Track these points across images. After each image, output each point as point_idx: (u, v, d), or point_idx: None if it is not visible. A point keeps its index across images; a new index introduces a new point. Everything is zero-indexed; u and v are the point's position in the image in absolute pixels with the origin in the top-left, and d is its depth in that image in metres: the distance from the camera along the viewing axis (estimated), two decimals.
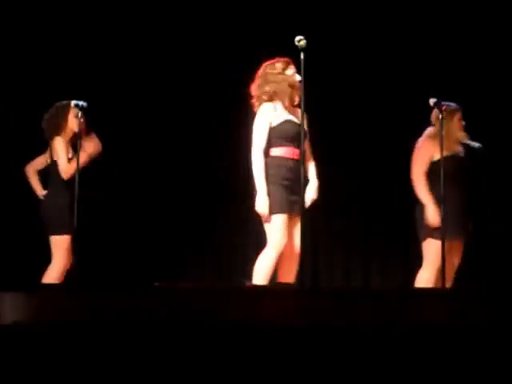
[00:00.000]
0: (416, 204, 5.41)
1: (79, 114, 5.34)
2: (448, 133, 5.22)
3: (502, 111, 6.49)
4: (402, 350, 3.49)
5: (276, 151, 4.98)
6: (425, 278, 5.30)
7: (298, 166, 4.77)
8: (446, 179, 5.00)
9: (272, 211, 4.89)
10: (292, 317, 3.63)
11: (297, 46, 4.64)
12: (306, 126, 4.94)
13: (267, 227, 4.94)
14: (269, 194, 4.89)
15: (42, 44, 6.66)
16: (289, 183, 4.92)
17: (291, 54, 4.85)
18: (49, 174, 5.67)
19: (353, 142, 6.80)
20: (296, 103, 5.05)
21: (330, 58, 6.54)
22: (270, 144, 4.98)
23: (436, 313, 3.66)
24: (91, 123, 5.63)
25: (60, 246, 5.46)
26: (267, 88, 5.02)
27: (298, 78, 4.96)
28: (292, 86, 5.02)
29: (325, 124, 6.28)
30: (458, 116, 5.37)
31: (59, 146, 5.57)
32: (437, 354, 3.48)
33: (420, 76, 6.50)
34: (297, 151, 4.93)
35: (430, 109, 5.27)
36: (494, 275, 6.39)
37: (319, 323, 3.58)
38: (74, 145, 5.56)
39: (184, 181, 6.80)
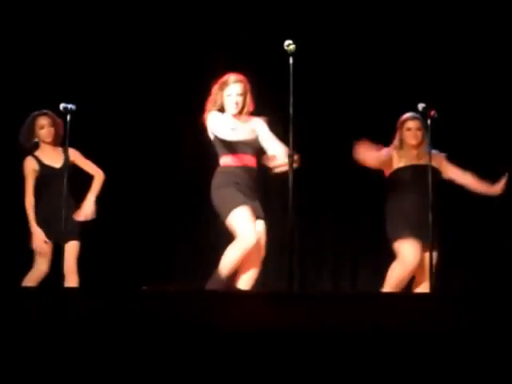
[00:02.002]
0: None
1: (68, 118, 5.23)
2: (402, 143, 5.60)
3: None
4: (388, 355, 3.50)
5: (222, 161, 5.11)
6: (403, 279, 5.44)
7: (249, 172, 5.00)
8: (405, 186, 5.50)
9: (229, 209, 4.96)
10: (276, 321, 3.62)
11: (286, 50, 4.66)
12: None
13: (231, 224, 4.99)
14: (223, 200, 5.00)
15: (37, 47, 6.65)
16: (239, 187, 5.01)
17: (280, 58, 4.87)
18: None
19: (342, 144, 6.79)
20: (244, 111, 5.15)
21: (319, 63, 6.55)
22: (218, 155, 5.13)
23: (422, 316, 3.67)
24: (80, 126, 5.63)
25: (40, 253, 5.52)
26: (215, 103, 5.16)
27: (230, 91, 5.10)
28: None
29: (313, 128, 6.30)
30: (406, 125, 5.57)
31: (26, 168, 5.62)
32: (424, 359, 3.49)
33: (408, 82, 6.52)
34: (247, 158, 5.05)
35: (420, 114, 5.33)
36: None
37: (306, 328, 3.59)
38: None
39: (169, 183, 6.78)
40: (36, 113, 5.63)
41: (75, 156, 5.64)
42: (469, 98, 6.55)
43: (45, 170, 5.58)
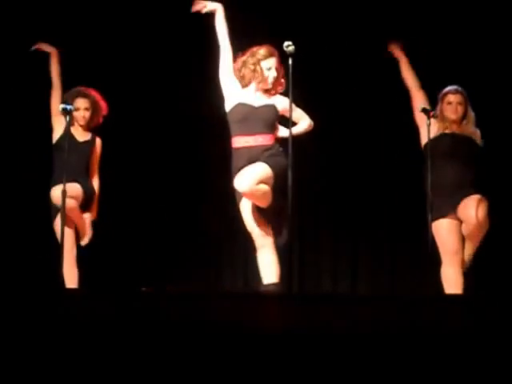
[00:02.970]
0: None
1: (67, 118, 5.16)
2: (443, 117, 5.29)
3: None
4: (387, 356, 3.49)
5: (233, 142, 4.97)
6: (447, 274, 5.16)
7: (252, 151, 4.82)
8: (441, 156, 5.13)
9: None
10: (280, 322, 3.62)
11: (285, 51, 4.66)
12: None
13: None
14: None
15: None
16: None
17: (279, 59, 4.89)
18: None
19: (342, 144, 6.80)
20: (268, 88, 5.01)
21: (318, 64, 6.55)
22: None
23: (421, 317, 3.67)
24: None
25: None
26: (241, 72, 5.03)
27: (271, 74, 4.96)
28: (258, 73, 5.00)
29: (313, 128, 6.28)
30: (447, 99, 5.31)
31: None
32: (424, 360, 3.49)
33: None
34: (248, 138, 4.89)
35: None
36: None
37: (308, 329, 3.59)
38: None
39: (170, 183, 6.78)
40: (76, 90, 5.44)
41: (98, 148, 5.56)
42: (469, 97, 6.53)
43: (67, 138, 5.20)
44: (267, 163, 4.80)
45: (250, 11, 6.60)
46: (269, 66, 4.99)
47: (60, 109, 5.19)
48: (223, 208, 6.52)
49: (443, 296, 4.88)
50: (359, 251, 6.82)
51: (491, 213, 5.11)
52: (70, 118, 5.19)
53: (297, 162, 4.63)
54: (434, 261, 5.09)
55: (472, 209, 5.02)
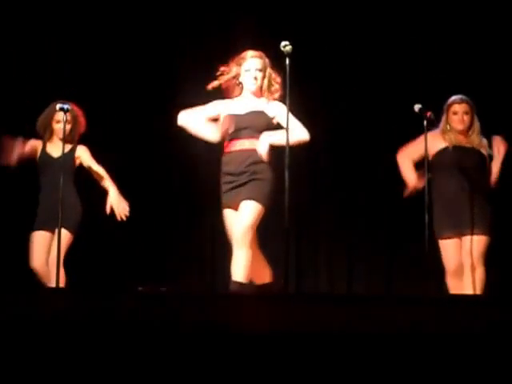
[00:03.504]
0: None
1: (64, 118, 5.21)
2: (447, 125, 5.27)
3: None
4: (386, 355, 3.50)
5: (226, 147, 4.96)
6: (449, 284, 5.21)
7: (237, 156, 4.83)
8: (443, 170, 5.17)
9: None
10: (274, 322, 3.62)
11: (282, 51, 4.65)
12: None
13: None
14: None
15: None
16: (229, 177, 4.89)
17: (276, 59, 4.87)
18: None
19: (340, 143, 6.81)
20: (258, 92, 4.97)
21: (315, 63, 6.56)
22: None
23: (422, 317, 3.67)
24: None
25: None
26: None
27: (250, 75, 4.91)
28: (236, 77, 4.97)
29: (311, 128, 6.28)
30: (452, 109, 5.28)
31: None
32: (423, 360, 3.48)
33: (406, 83, 6.52)
34: (234, 142, 4.89)
35: (415, 115, 5.28)
36: None
37: (302, 328, 3.59)
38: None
39: (164, 184, 6.78)
40: (57, 104, 5.30)
41: (83, 154, 5.56)
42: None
43: (43, 157, 5.52)
44: (251, 198, 4.76)
45: (248, 13, 6.64)
46: (247, 68, 4.94)
47: (57, 108, 5.23)
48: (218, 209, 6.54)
49: (443, 296, 4.90)
50: (356, 251, 6.82)
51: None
52: (67, 117, 5.21)
53: (294, 162, 4.64)
54: (433, 260, 5.10)
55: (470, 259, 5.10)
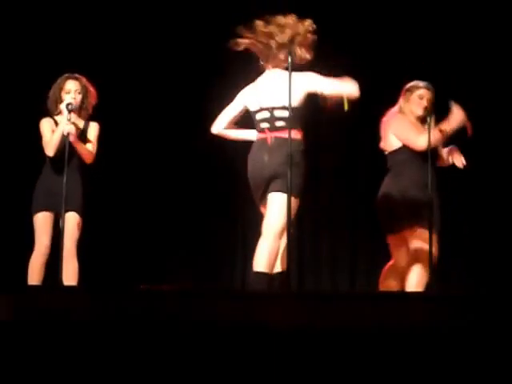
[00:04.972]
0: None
1: (69, 117, 5.05)
2: (406, 109, 5.16)
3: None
4: (387, 354, 3.50)
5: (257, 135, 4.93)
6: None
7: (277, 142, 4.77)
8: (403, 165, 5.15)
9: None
10: (280, 320, 3.63)
11: None
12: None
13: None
14: None
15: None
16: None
17: None
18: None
19: (339, 142, 6.83)
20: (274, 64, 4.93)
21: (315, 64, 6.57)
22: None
23: (421, 316, 3.68)
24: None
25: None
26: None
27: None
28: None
29: (312, 127, 6.29)
30: (418, 92, 5.16)
31: (43, 127, 5.25)
32: (423, 359, 3.49)
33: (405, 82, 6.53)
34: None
35: None
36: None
37: (304, 327, 3.60)
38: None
39: (169, 181, 6.79)
40: (66, 75, 5.19)
41: (91, 130, 5.28)
42: (467, 96, 6.54)
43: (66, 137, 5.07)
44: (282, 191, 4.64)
45: None
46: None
47: (64, 106, 5.13)
48: (222, 207, 6.57)
49: (442, 295, 4.90)
50: (358, 250, 6.84)
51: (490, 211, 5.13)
52: (71, 115, 5.10)
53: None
54: (432, 258, 5.10)
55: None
